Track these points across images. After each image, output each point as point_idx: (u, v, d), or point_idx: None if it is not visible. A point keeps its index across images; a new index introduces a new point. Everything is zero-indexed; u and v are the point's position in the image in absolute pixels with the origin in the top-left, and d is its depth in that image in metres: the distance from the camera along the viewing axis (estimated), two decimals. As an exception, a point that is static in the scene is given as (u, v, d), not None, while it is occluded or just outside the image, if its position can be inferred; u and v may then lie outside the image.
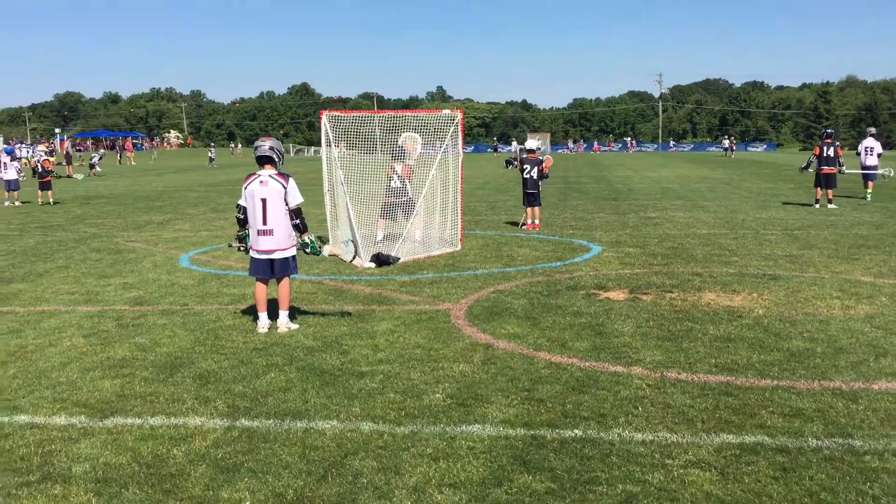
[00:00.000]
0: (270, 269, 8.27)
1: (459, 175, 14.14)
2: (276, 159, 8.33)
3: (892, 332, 7.95)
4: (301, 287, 10.52)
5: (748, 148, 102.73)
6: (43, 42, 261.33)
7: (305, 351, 7.48)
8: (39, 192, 24.80)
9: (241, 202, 8.34)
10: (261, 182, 8.20)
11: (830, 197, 20.96)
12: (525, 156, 17.23)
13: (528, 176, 16.84)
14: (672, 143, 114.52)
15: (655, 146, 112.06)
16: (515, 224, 17.44)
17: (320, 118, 13.56)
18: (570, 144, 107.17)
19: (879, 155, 23.93)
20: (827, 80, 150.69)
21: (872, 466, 4.83)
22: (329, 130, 13.57)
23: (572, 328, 8.23)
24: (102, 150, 68.28)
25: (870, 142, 23.99)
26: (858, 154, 24.15)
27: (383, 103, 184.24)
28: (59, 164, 59.42)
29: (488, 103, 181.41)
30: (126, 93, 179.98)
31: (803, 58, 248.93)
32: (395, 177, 14.16)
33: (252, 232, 8.27)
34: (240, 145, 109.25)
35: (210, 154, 66.27)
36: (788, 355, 7.17)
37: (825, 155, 21.00)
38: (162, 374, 6.78)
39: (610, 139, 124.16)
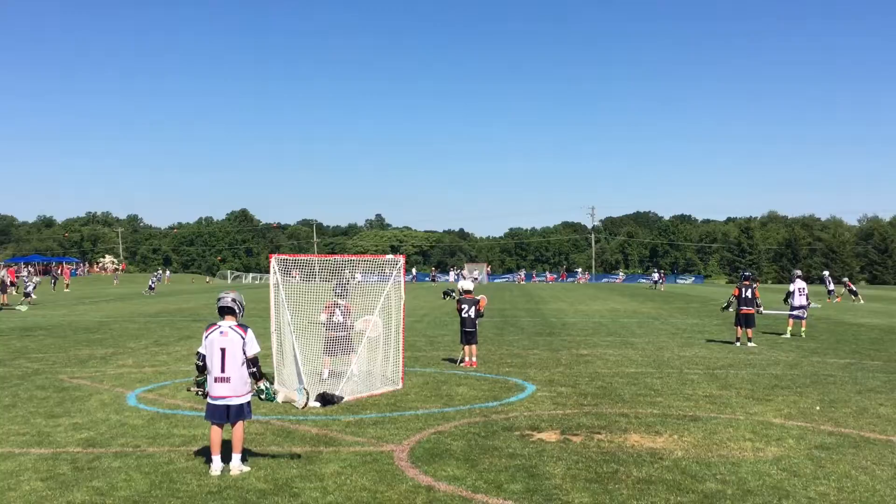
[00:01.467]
0: (226, 415, 8.80)
1: (401, 316, 14.88)
2: (237, 311, 9.02)
3: (797, 474, 8.77)
4: (249, 427, 10.94)
5: (677, 280, 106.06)
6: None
7: (258, 494, 7.95)
8: (-23, 323, 24.78)
9: (201, 350, 8.94)
10: (221, 332, 8.84)
11: (750, 336, 22.19)
12: (462, 296, 18.10)
13: (465, 315, 17.68)
14: (621, 273, 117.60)
15: (590, 277, 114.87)
16: (453, 361, 18.11)
17: (269, 259, 14.34)
18: (522, 274, 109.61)
19: (807, 295, 25.47)
20: (750, 214, 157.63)
21: None
22: (277, 272, 14.34)
23: (507, 470, 8.86)
24: (37, 278, 67.26)
25: (800, 283, 25.57)
26: (791, 294, 25.48)
27: (322, 230, 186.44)
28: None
29: (426, 231, 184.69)
30: (61, 217, 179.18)
31: (728, 192, 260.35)
32: (337, 311, 14.89)
33: (210, 378, 8.84)
34: (168, 272, 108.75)
35: (151, 282, 65.50)
36: (703, 497, 7.90)
37: (744, 296, 22.38)
38: (123, 519, 7.19)
39: (563, 270, 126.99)
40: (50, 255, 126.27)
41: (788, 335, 24.36)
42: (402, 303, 14.92)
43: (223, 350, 8.75)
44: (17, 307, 37.50)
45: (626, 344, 22.47)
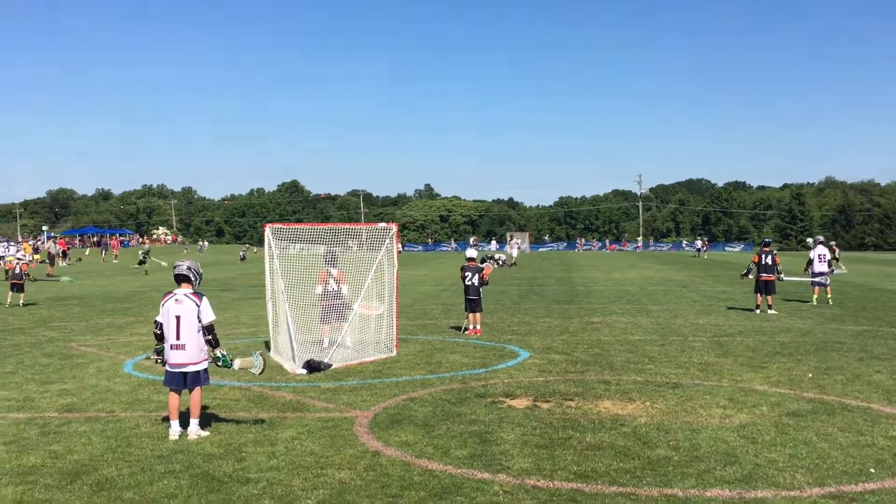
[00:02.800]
0: (183, 381, 8.94)
1: (395, 283, 14.92)
2: (193, 279, 9.13)
3: (754, 440, 8.62)
4: (228, 393, 11.16)
5: (725, 248, 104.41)
6: (39, 139, 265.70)
7: (205, 458, 8.08)
8: (10, 293, 25.42)
9: (159, 318, 9.08)
10: (176, 300, 8.96)
11: (770, 303, 21.76)
12: (466, 264, 18.06)
13: (469, 283, 17.64)
14: (684, 241, 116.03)
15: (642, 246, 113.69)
16: (459, 328, 18.11)
17: (260, 226, 14.50)
18: (582, 241, 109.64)
19: (829, 262, 24.87)
20: (807, 180, 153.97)
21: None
22: (272, 242, 14.49)
23: (461, 436, 8.86)
24: (148, 245, 70.24)
25: (821, 249, 24.96)
26: (811, 261, 24.89)
27: (371, 200, 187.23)
28: (43, 262, 60.18)
29: (475, 201, 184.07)
30: (118, 189, 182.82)
31: (784, 159, 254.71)
32: (330, 280, 14.99)
33: (166, 346, 8.98)
34: (206, 243, 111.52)
35: (241, 253, 68.07)
36: (646, 463, 7.82)
37: (763, 263, 21.92)
38: (64, 481, 7.37)
39: (624, 238, 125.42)
40: (106, 228, 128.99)
41: (814, 302, 23.87)
42: (395, 270, 14.96)
43: (178, 318, 8.87)
44: (63, 278, 38.48)
45: (642, 311, 22.23)
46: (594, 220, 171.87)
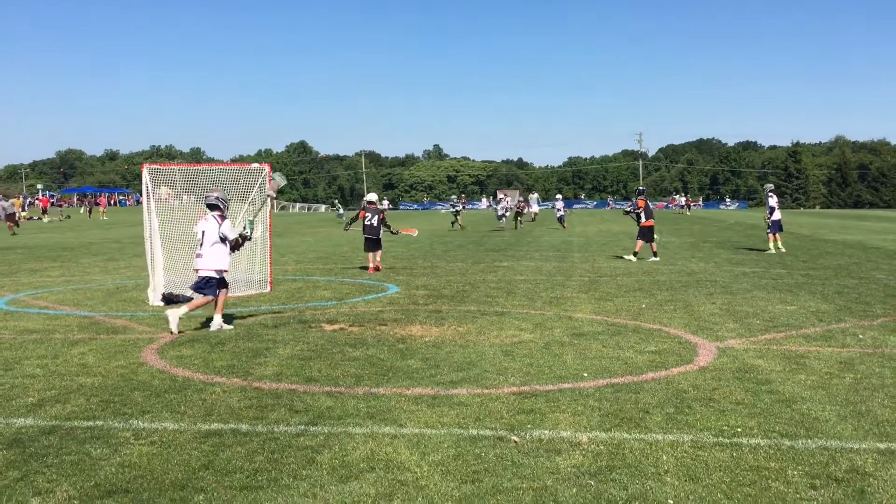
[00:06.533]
0: None
1: (268, 221, 15.35)
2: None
3: (509, 354, 9.04)
4: (64, 321, 11.69)
5: (720, 206, 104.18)
6: (49, 99, 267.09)
7: (-22, 367, 8.62)
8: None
9: None
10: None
11: (638, 248, 21.87)
12: (366, 205, 18.52)
13: (367, 223, 18.12)
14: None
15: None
16: (367, 268, 18.53)
17: (141, 169, 14.93)
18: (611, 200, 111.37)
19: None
20: (819, 140, 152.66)
21: (308, 444, 5.92)
22: (149, 182, 14.95)
23: (239, 351, 9.32)
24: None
25: (776, 198, 24.94)
26: (773, 209, 24.53)
27: (380, 161, 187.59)
28: (31, 218, 61.46)
29: (484, 161, 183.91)
30: (126, 150, 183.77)
31: (794, 118, 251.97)
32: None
33: None
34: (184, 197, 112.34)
35: (339, 211, 67.55)
36: (384, 370, 8.26)
37: (648, 208, 22.25)
38: None
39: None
40: (111, 188, 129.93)
41: (772, 249, 23.88)
42: (268, 209, 15.38)
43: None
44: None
45: (559, 258, 22.60)
46: (602, 179, 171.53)
